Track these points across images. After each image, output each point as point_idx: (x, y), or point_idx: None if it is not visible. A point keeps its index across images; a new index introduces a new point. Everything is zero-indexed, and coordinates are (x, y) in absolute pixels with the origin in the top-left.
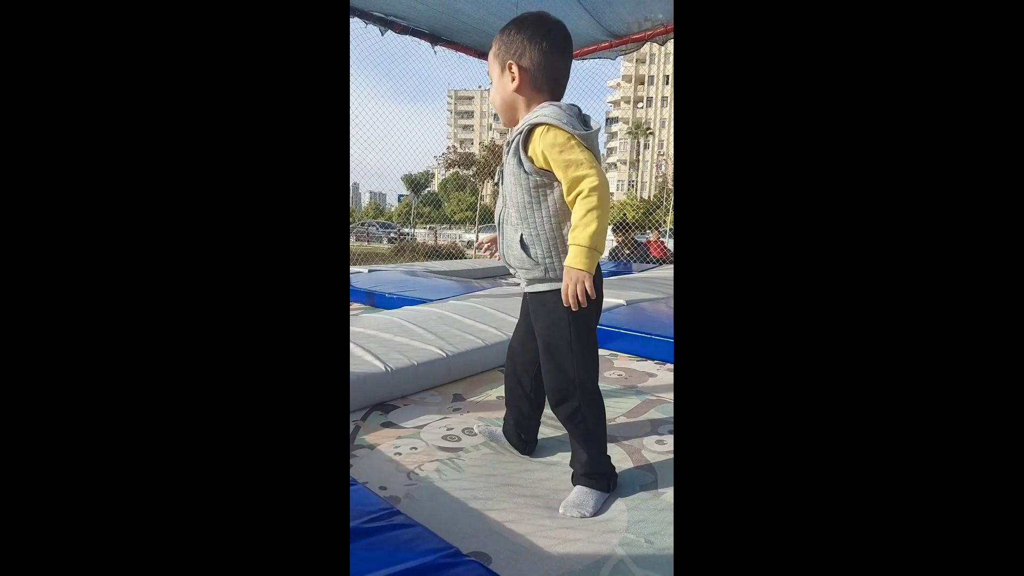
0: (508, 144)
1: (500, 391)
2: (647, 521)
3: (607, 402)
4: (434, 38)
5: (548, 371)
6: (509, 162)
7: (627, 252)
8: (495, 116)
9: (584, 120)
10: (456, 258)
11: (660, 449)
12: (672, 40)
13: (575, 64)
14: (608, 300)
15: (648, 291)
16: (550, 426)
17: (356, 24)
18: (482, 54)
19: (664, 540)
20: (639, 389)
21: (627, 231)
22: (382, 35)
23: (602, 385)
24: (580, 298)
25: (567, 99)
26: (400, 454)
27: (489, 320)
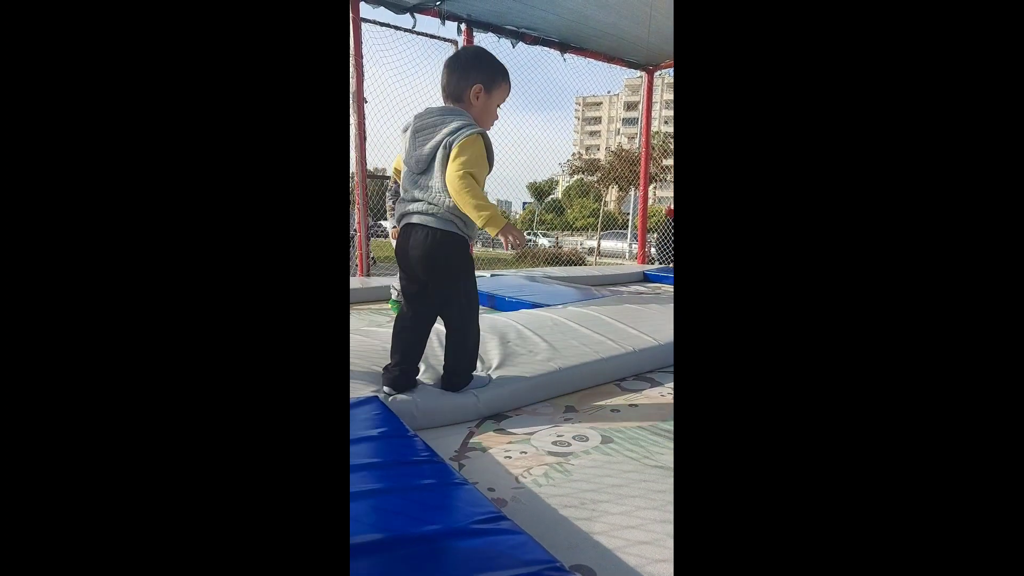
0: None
1: (614, 402)
2: None
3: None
4: (563, 46)
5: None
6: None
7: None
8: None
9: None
10: (576, 264)
11: None
12: None
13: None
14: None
15: None
16: (664, 435)
17: (489, 39)
18: (610, 59)
19: None
20: None
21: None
22: (513, 47)
23: None
24: None
25: None
26: (510, 457)
27: (606, 330)
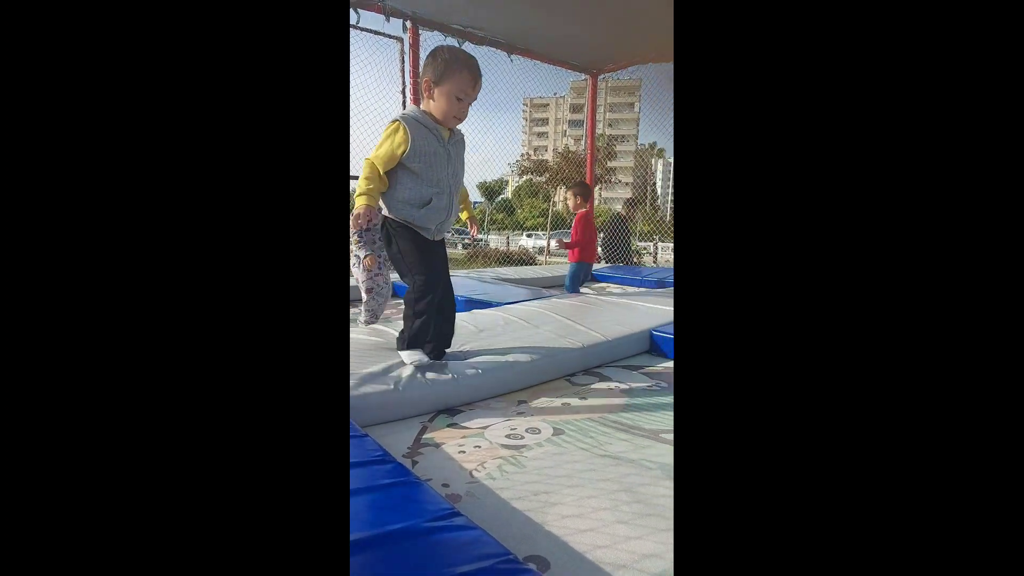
0: (461, 141)
1: (565, 398)
2: None
3: (665, 410)
4: (510, 47)
5: (449, 287)
6: (463, 155)
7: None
8: (569, 123)
9: None
10: (527, 264)
11: None
12: None
13: (653, 67)
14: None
15: None
16: (613, 426)
17: (435, 37)
18: (557, 61)
19: None
20: None
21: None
22: (460, 45)
23: (654, 394)
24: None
25: (645, 103)
26: (464, 452)
27: (556, 327)
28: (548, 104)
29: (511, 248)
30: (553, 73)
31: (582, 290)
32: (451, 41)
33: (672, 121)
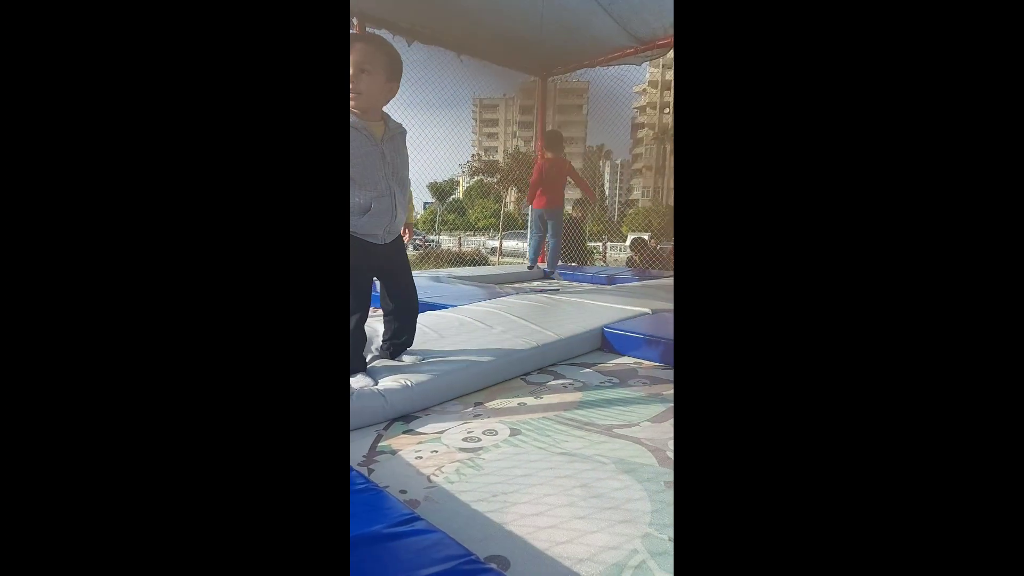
0: (399, 135)
1: (521, 398)
2: (670, 516)
3: (633, 407)
4: (459, 47)
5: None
6: (403, 150)
7: (638, 258)
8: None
9: None
10: (480, 264)
11: None
12: None
13: (600, 71)
14: (632, 308)
15: (672, 300)
16: (568, 423)
17: (384, 36)
18: (506, 63)
19: None
20: (663, 397)
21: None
22: (408, 46)
23: (626, 392)
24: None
25: (593, 105)
26: (421, 458)
27: (511, 328)
28: (498, 105)
29: (463, 248)
30: (502, 74)
31: (535, 286)
32: (399, 40)
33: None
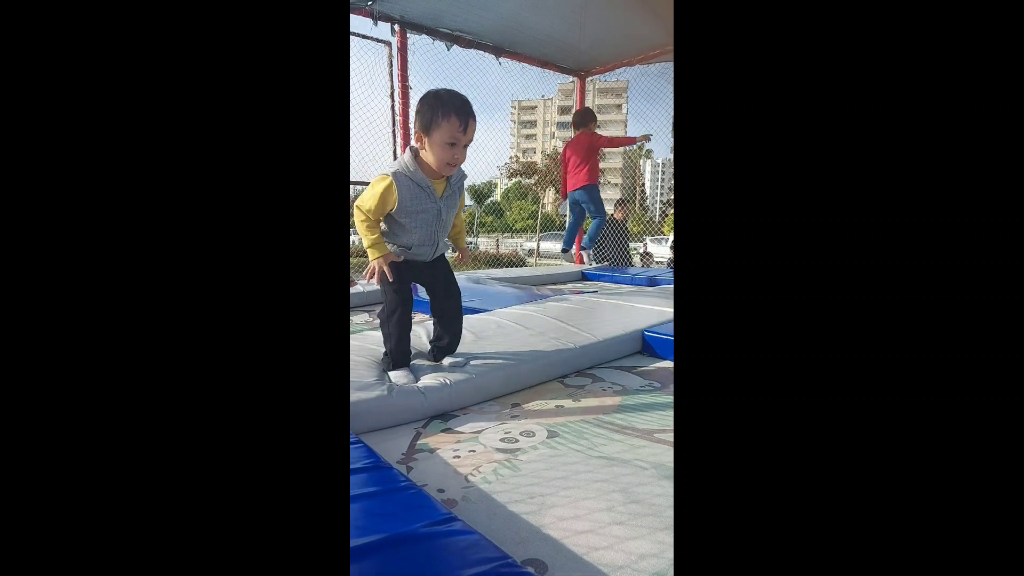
0: (458, 188)
1: (559, 400)
2: None
3: (658, 410)
4: (498, 50)
5: (450, 295)
6: (458, 198)
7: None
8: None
9: None
10: (517, 266)
11: None
12: None
13: (640, 69)
14: (664, 310)
15: None
16: (607, 427)
17: (423, 41)
18: (545, 63)
19: None
20: None
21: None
22: (448, 50)
23: (667, 397)
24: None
25: (633, 104)
26: (459, 457)
27: (548, 329)
28: (536, 106)
29: (501, 250)
30: (541, 75)
31: (574, 288)
32: (439, 45)
33: (661, 122)
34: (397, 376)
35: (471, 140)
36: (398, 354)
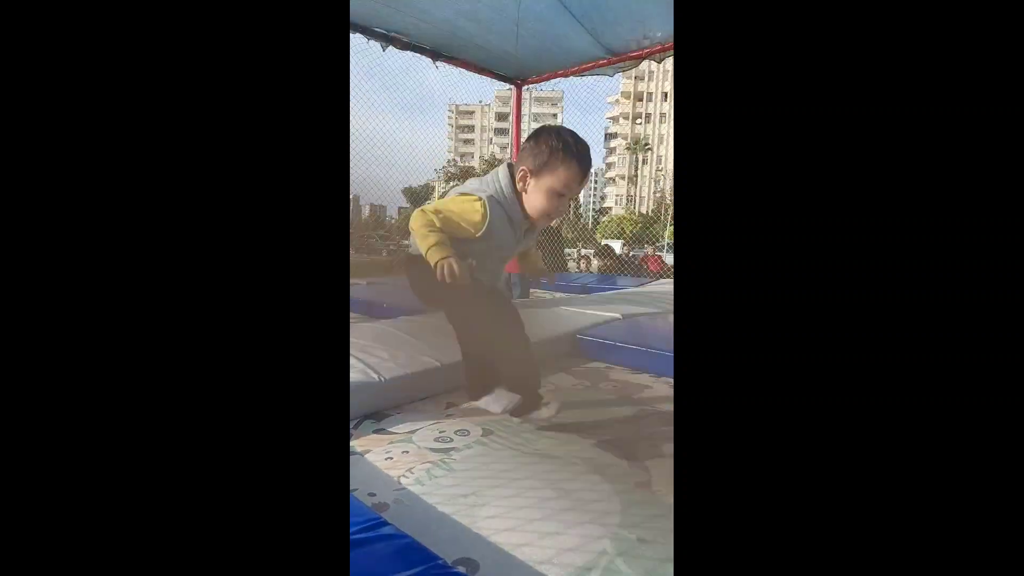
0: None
1: None
2: (639, 515)
3: (603, 410)
4: (435, 54)
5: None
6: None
7: (604, 264)
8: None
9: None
10: None
11: (653, 452)
12: (670, 58)
13: (575, 81)
14: (604, 314)
15: (645, 305)
16: (541, 425)
17: (358, 40)
18: (481, 69)
19: (656, 537)
20: (633, 400)
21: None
22: (383, 50)
23: (597, 395)
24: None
25: (568, 114)
26: (391, 459)
27: None
28: (474, 111)
29: None
30: (478, 81)
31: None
32: (375, 45)
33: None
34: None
35: (578, 193)
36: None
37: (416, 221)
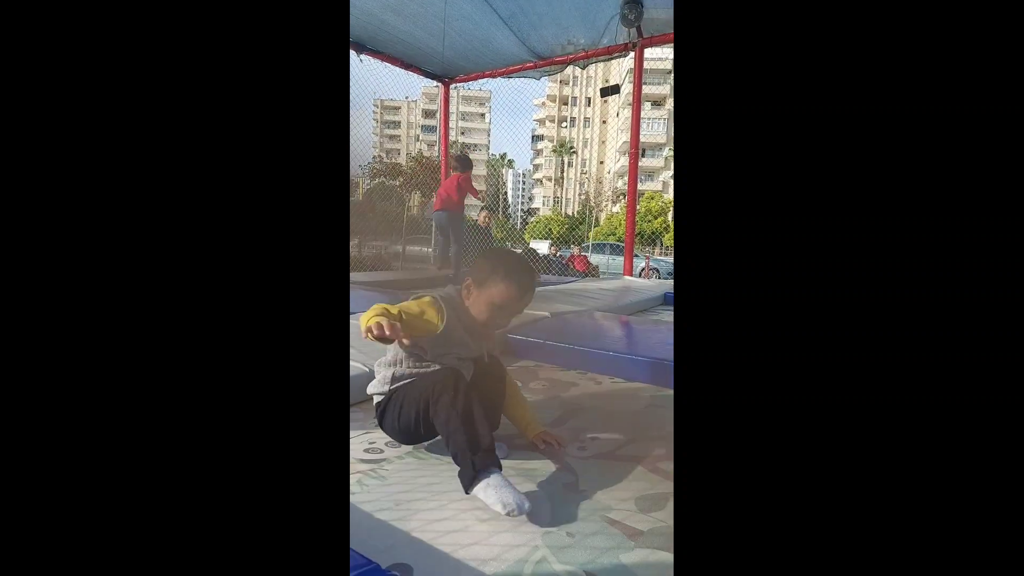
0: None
1: None
2: (568, 515)
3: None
4: (359, 46)
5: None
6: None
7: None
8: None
9: None
10: (381, 269)
11: (581, 454)
12: (592, 64)
13: (502, 82)
14: (533, 312)
15: (571, 303)
16: None
17: None
18: (408, 66)
19: (583, 531)
20: (562, 400)
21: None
22: None
23: (526, 395)
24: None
25: (496, 115)
26: None
27: None
28: (400, 107)
29: (364, 253)
30: (404, 77)
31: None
32: None
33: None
34: (496, 492)
35: (520, 312)
36: (478, 452)
37: (369, 312)
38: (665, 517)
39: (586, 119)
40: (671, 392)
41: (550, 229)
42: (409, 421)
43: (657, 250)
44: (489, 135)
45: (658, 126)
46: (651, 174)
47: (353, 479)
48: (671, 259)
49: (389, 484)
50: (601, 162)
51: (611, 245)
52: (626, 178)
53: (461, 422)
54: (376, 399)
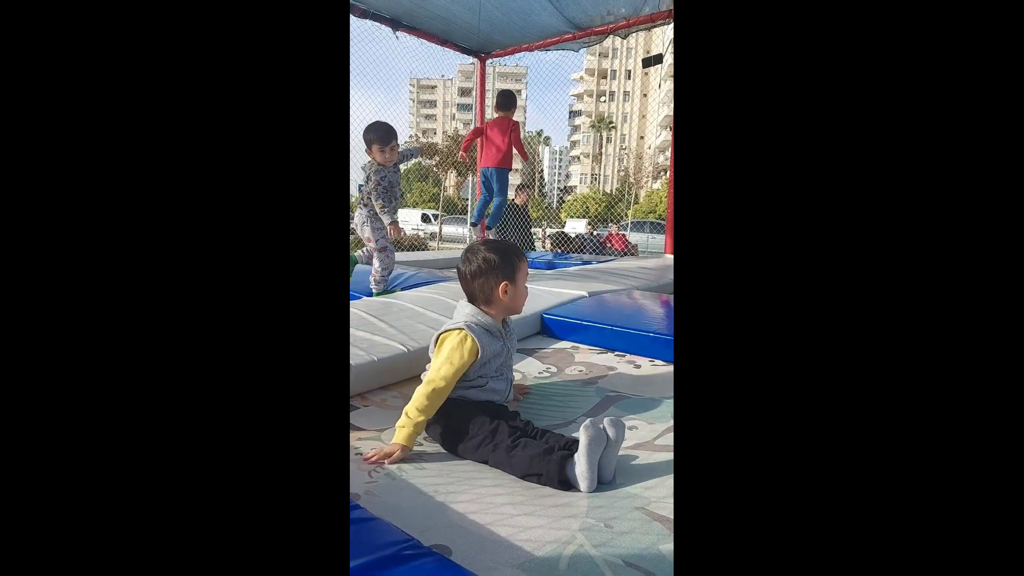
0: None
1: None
2: (606, 507)
3: (570, 401)
4: (395, 23)
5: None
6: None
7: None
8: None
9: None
10: (418, 250)
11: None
12: (635, 33)
13: (539, 56)
14: (570, 292)
15: (609, 283)
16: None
17: None
18: (443, 42)
19: (622, 524)
20: (599, 387)
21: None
22: None
23: (564, 384)
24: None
25: (532, 91)
26: (361, 454)
27: (450, 312)
28: (436, 86)
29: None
30: (440, 55)
31: None
32: None
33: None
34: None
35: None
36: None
37: (423, 390)
38: None
39: (625, 93)
40: None
41: (587, 207)
42: (443, 438)
43: None
44: (525, 112)
45: None
46: None
47: (393, 465)
48: None
49: (426, 471)
50: (641, 137)
51: (651, 223)
52: (668, 153)
53: (507, 455)
54: None
